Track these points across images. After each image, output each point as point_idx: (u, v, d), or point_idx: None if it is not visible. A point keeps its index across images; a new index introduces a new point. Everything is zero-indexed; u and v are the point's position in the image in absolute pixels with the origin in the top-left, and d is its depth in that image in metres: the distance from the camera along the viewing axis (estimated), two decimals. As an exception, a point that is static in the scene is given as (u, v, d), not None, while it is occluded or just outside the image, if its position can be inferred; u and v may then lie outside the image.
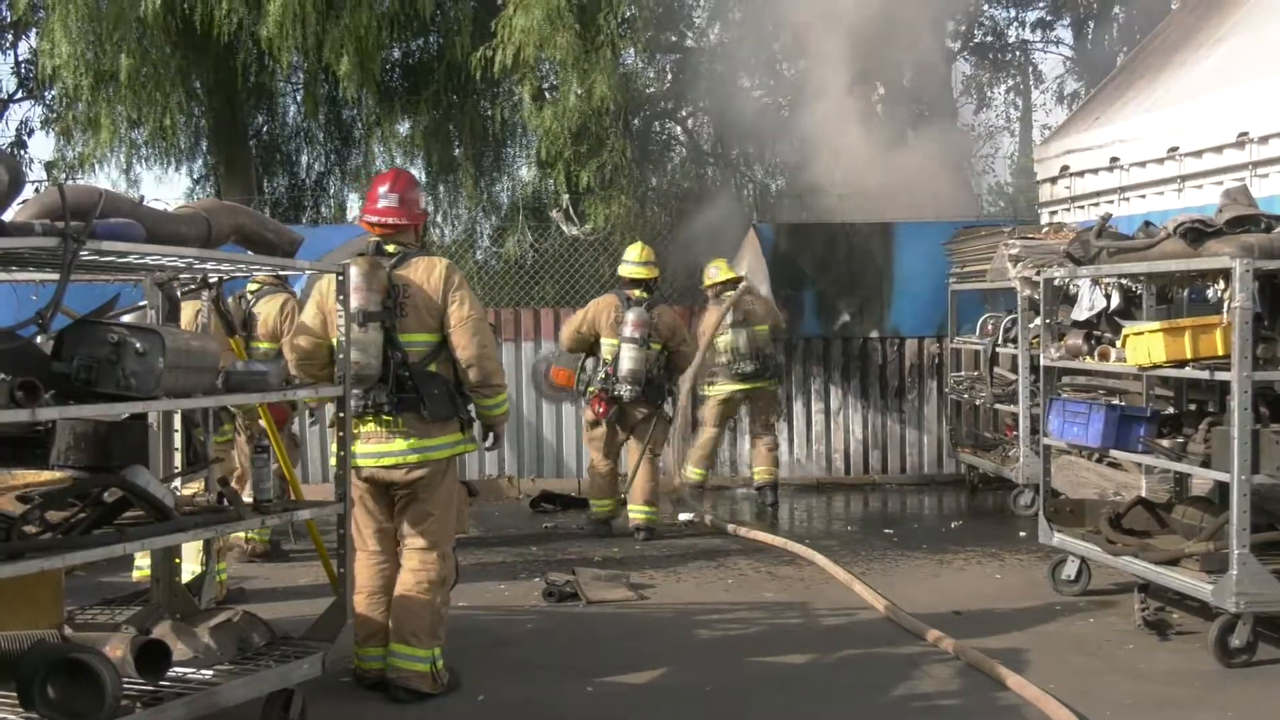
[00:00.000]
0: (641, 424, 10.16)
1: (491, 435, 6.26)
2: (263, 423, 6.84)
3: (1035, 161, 12.89)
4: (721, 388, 11.30)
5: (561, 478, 12.74)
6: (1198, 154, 9.99)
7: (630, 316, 9.95)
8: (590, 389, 10.17)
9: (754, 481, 11.72)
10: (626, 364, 9.90)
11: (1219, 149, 9.70)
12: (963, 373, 12.43)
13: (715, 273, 11.43)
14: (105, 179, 14.88)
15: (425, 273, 5.99)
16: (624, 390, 9.94)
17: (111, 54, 13.14)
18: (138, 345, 4.56)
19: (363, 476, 6.04)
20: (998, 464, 11.40)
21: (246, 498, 5.76)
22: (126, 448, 5.38)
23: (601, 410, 10.08)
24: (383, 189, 6.17)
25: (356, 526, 6.13)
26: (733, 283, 11.30)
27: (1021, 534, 9.90)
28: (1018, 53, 20.56)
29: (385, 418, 5.91)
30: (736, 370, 11.16)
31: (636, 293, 10.10)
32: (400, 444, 5.94)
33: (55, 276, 4.42)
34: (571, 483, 12.50)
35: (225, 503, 5.45)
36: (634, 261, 10.26)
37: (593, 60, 12.53)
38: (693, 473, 11.50)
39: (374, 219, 6.12)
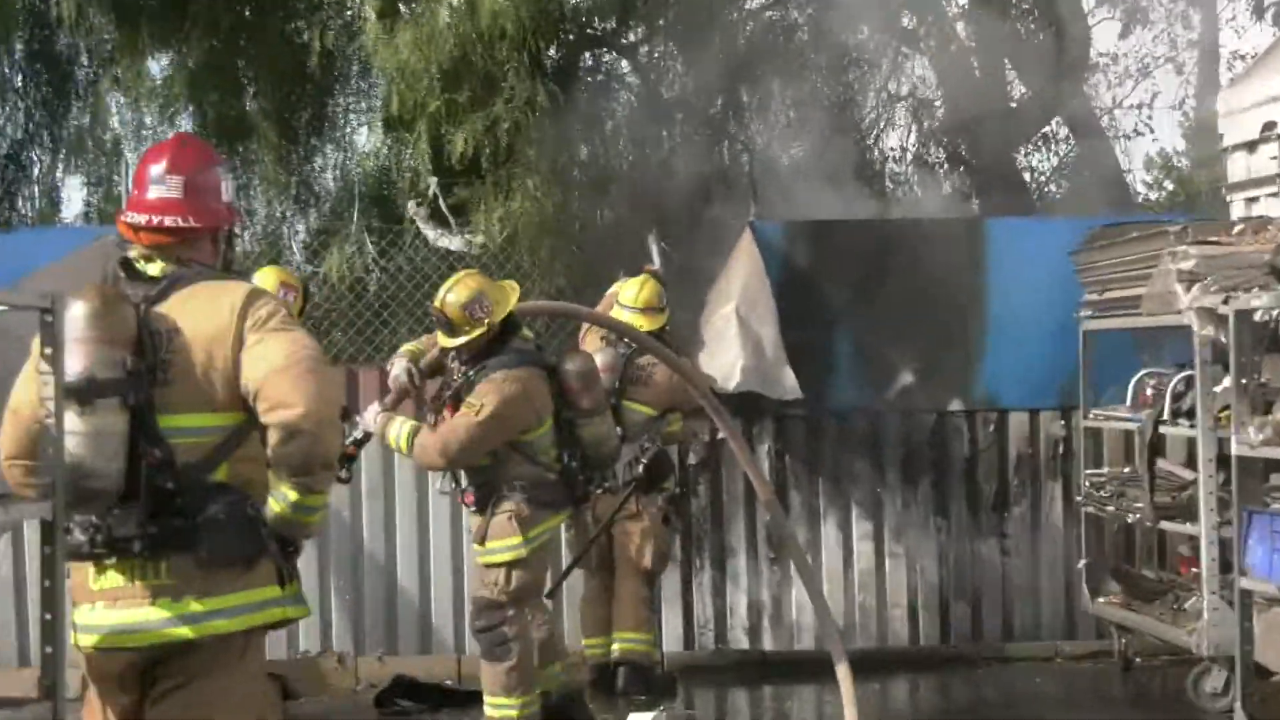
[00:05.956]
0: None
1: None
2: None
3: (1220, 116, 10.33)
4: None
5: (429, 654, 9.47)
6: None
7: None
8: None
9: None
10: None
11: None
12: (1106, 469, 9.82)
13: None
14: None
15: (207, 308, 4.29)
16: None
17: None
18: None
19: (94, 662, 4.31)
20: (1166, 623, 9.09)
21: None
22: None
23: None
24: (156, 169, 4.49)
25: None
26: None
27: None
28: None
29: (134, 561, 4.26)
30: None
31: None
32: (161, 609, 4.27)
33: None
34: (445, 662, 9.24)
35: None
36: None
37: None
38: None
39: (138, 219, 4.43)
